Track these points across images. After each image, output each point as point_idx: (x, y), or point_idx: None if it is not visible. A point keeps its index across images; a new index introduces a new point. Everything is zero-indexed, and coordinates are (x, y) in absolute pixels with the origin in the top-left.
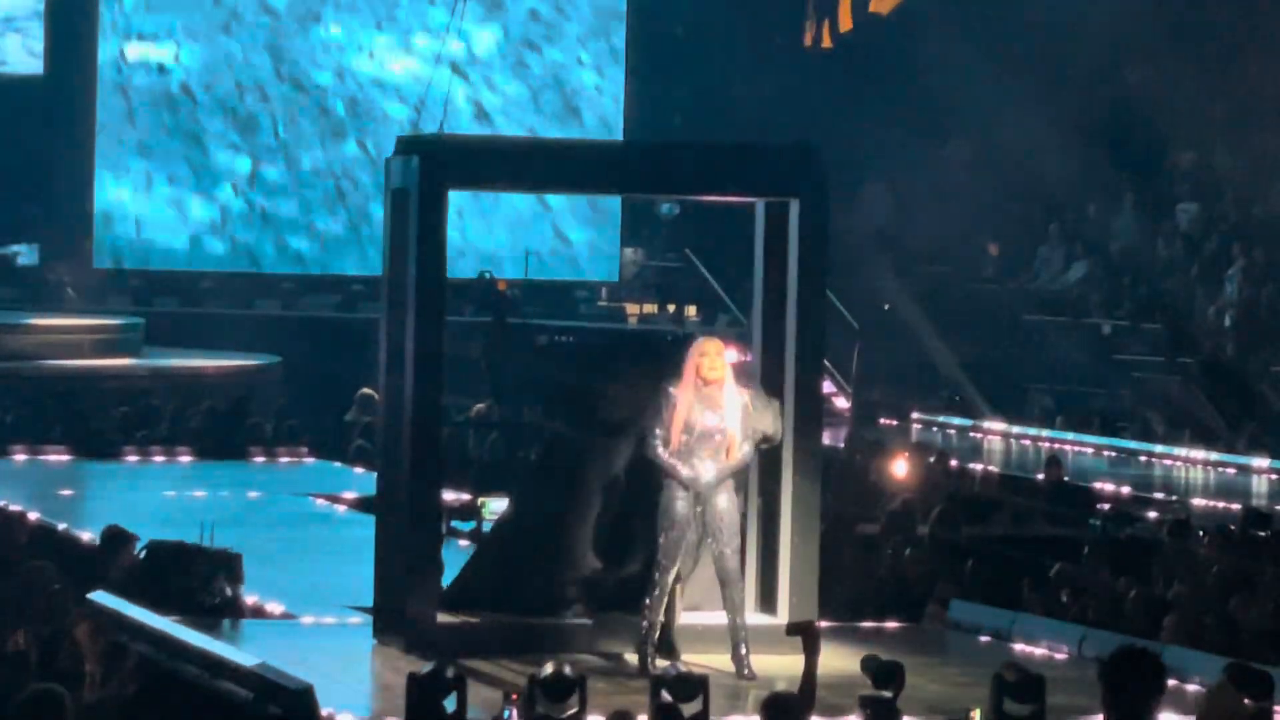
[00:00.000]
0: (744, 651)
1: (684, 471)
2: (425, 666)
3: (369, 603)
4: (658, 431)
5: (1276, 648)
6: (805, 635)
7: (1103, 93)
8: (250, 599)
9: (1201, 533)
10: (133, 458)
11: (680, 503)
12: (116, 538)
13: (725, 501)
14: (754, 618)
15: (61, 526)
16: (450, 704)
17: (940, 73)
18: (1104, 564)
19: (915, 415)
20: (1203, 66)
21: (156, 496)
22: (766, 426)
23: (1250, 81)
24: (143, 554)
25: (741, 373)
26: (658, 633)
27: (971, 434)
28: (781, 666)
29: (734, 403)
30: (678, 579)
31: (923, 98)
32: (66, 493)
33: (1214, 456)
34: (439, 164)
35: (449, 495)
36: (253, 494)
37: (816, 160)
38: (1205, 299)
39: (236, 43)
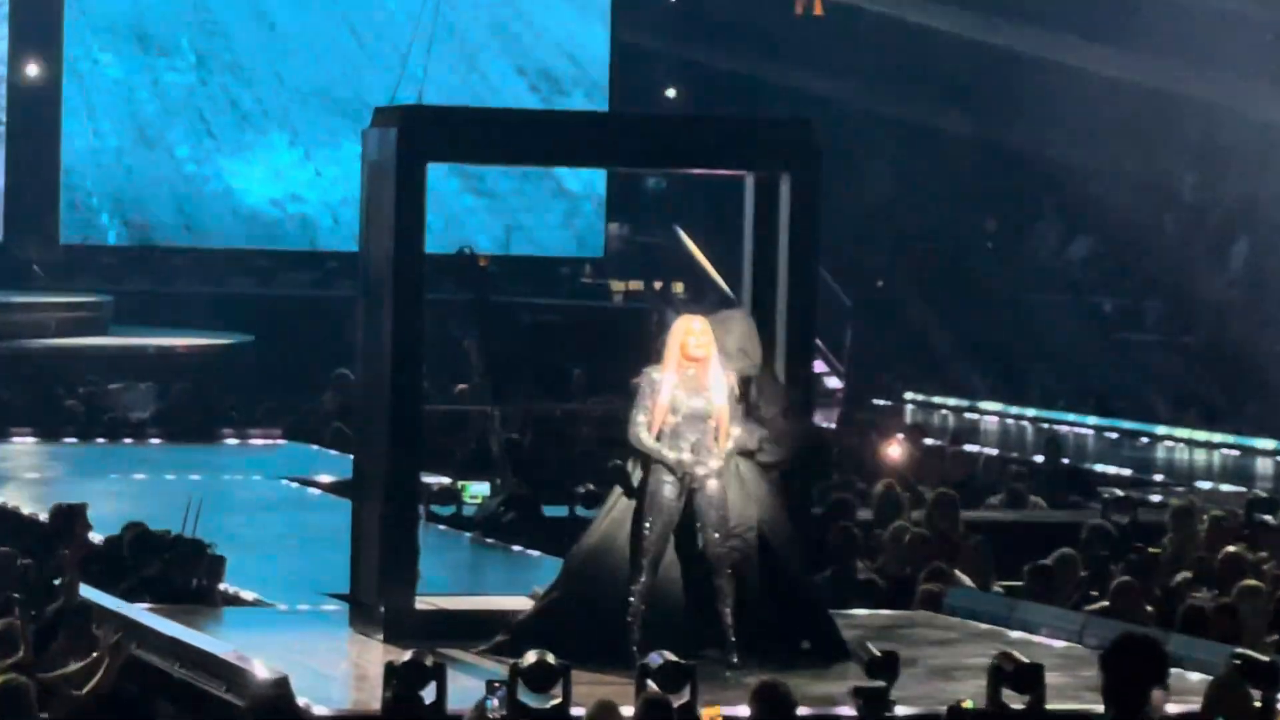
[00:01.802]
0: (731, 640)
1: (670, 455)
2: (403, 655)
3: (345, 590)
4: (640, 418)
5: None
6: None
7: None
8: (223, 586)
9: (1205, 517)
10: (100, 440)
11: (668, 488)
12: (66, 514)
13: (715, 486)
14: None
15: (27, 511)
16: (430, 694)
17: (939, 40)
18: (1104, 549)
19: (909, 396)
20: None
21: (125, 480)
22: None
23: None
24: (125, 535)
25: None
26: (641, 623)
27: (968, 415)
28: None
29: (720, 383)
30: (658, 564)
31: (920, 67)
32: (31, 476)
33: (1218, 438)
34: (417, 136)
35: (428, 478)
36: (225, 477)
37: (808, 132)
38: (1209, 274)
39: None
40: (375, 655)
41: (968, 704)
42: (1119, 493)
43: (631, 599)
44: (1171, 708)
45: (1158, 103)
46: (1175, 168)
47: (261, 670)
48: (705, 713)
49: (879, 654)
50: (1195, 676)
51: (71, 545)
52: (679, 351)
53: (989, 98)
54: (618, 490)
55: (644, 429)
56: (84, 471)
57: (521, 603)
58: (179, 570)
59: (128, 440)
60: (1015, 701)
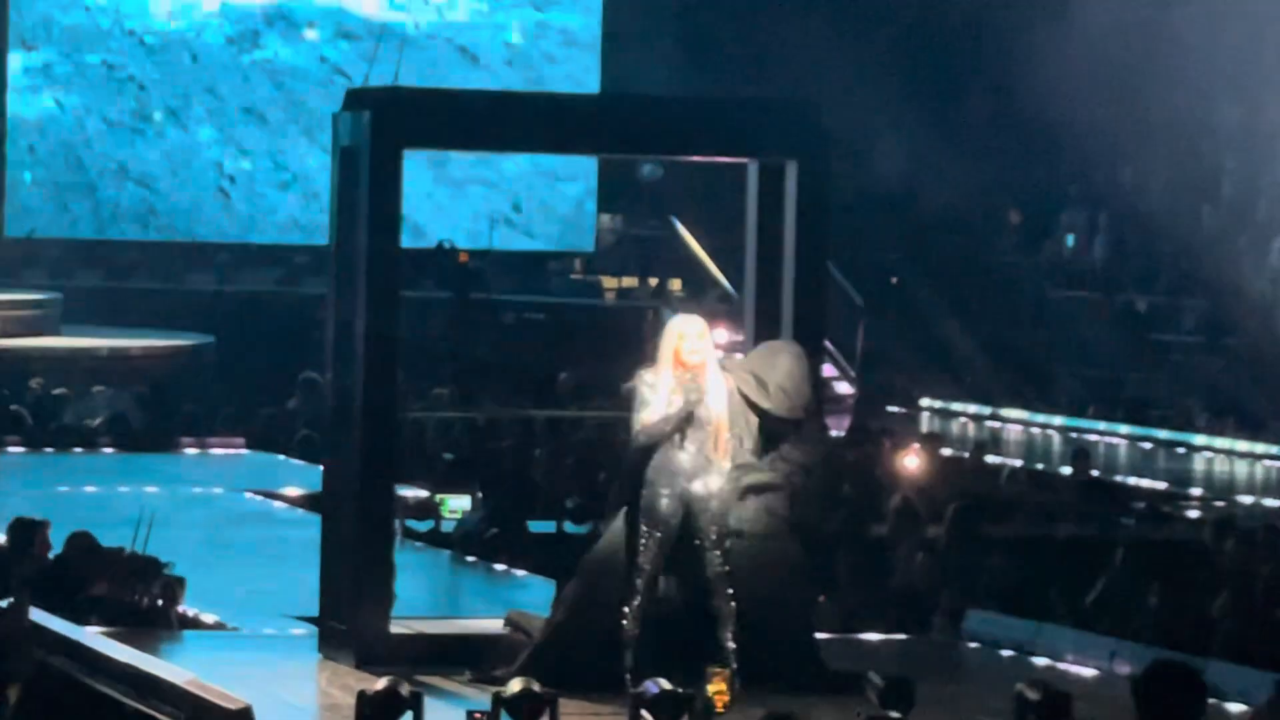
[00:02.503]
0: (733, 667)
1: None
2: (377, 683)
3: (314, 612)
4: (640, 424)
5: None
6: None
7: (1137, 39)
8: (181, 608)
9: (1247, 534)
10: (48, 449)
11: (665, 500)
12: (24, 529)
13: (715, 501)
14: None
15: None
16: None
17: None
18: (1138, 569)
19: (926, 402)
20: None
21: (77, 492)
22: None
23: None
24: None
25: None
26: (635, 648)
27: (990, 423)
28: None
29: (719, 388)
30: (655, 583)
31: (936, 44)
32: None
33: (1260, 449)
34: (393, 120)
35: (404, 491)
36: (184, 489)
37: (816, 116)
38: (1251, 271)
39: None
40: (347, 683)
41: None
42: (1154, 507)
43: (624, 622)
44: None
45: (1194, 84)
46: (1214, 155)
47: (223, 700)
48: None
49: (883, 682)
50: (1236, 708)
51: (26, 564)
52: (673, 357)
53: (1010, 75)
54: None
55: (642, 435)
56: (30, 483)
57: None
58: (131, 589)
59: (78, 449)
60: None
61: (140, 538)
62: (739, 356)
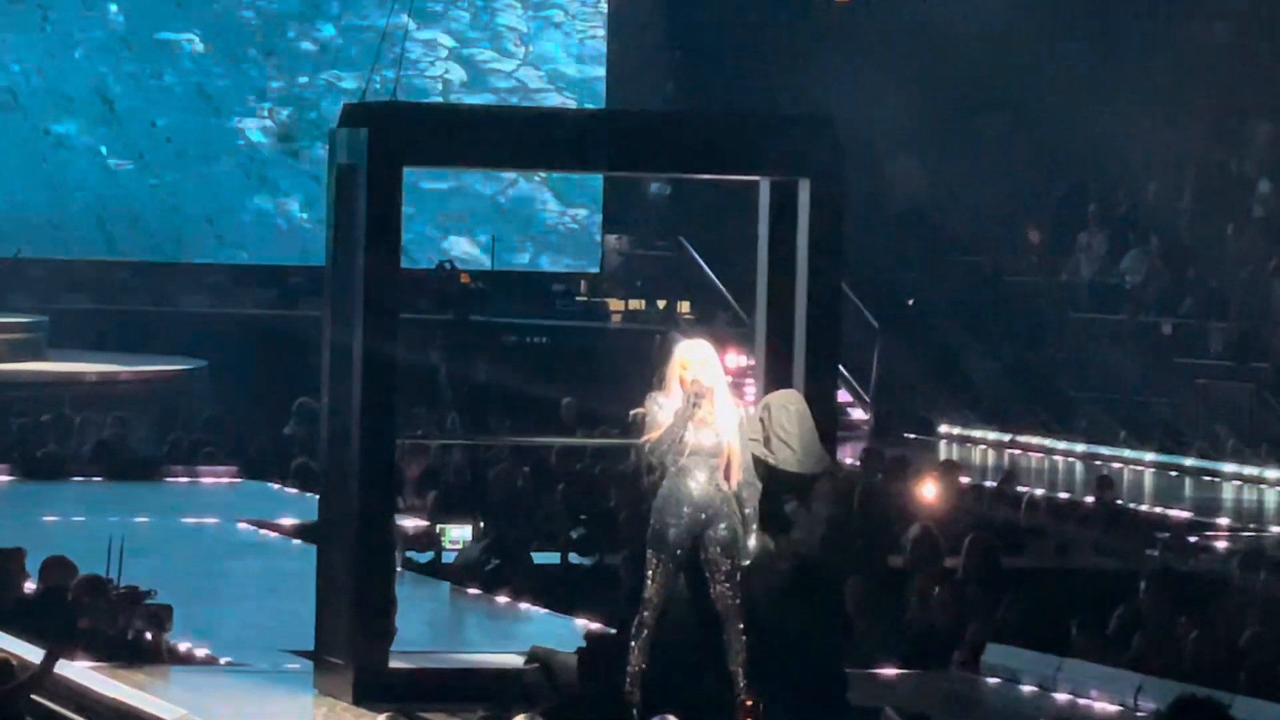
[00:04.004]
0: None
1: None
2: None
3: (310, 646)
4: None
5: None
6: None
7: (1164, 54)
8: (171, 642)
9: (1277, 565)
10: (35, 478)
11: (673, 530)
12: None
13: (725, 529)
14: None
15: None
16: None
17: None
18: (1164, 601)
19: (944, 428)
20: None
21: (65, 522)
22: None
23: None
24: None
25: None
26: (641, 682)
27: (1009, 450)
28: None
29: (729, 414)
30: (663, 615)
31: (953, 61)
32: None
33: None
34: (393, 137)
35: (403, 521)
36: (175, 519)
37: (830, 132)
38: None
39: None
40: None
41: None
42: (1180, 537)
43: (631, 655)
44: None
45: (1223, 97)
46: (1243, 172)
47: None
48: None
49: (901, 719)
50: None
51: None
52: (679, 384)
53: (1029, 90)
54: None
55: (651, 452)
56: (15, 512)
57: (509, 661)
58: (113, 620)
59: (64, 478)
60: None
61: (112, 565)
62: (749, 409)
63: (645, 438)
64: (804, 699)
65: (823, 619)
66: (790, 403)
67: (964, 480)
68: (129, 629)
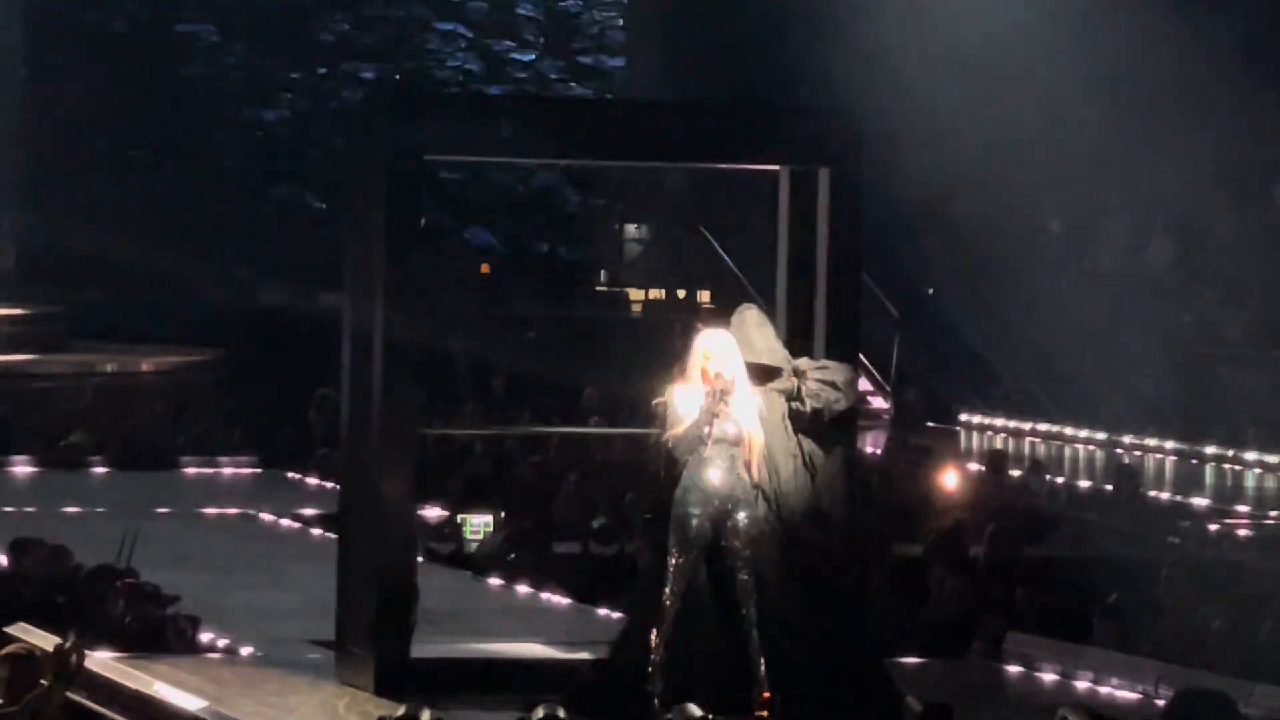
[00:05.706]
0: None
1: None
2: (397, 711)
3: (331, 637)
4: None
5: None
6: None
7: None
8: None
9: None
10: (56, 468)
11: (695, 520)
12: (20, 547)
13: (746, 519)
14: None
15: None
16: None
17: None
18: (1185, 590)
19: (965, 417)
20: None
21: (85, 512)
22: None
23: None
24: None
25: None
26: (663, 672)
27: (1030, 439)
28: None
29: (750, 404)
30: (684, 606)
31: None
32: None
33: None
34: (413, 125)
35: (425, 511)
36: (195, 510)
37: (850, 120)
38: None
39: None
40: (366, 710)
41: None
42: (1202, 526)
43: (653, 644)
44: None
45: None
46: (1263, 160)
47: None
48: None
49: (922, 707)
50: None
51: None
52: (701, 376)
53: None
54: None
55: (670, 441)
56: (36, 502)
57: (533, 650)
58: (132, 609)
59: (89, 469)
60: None
61: (124, 555)
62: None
63: (669, 433)
64: (842, 690)
65: (847, 610)
66: (742, 323)
67: (985, 468)
68: (145, 618)
